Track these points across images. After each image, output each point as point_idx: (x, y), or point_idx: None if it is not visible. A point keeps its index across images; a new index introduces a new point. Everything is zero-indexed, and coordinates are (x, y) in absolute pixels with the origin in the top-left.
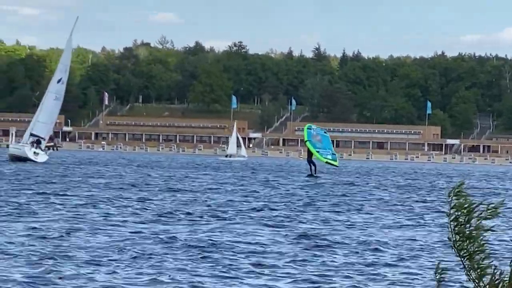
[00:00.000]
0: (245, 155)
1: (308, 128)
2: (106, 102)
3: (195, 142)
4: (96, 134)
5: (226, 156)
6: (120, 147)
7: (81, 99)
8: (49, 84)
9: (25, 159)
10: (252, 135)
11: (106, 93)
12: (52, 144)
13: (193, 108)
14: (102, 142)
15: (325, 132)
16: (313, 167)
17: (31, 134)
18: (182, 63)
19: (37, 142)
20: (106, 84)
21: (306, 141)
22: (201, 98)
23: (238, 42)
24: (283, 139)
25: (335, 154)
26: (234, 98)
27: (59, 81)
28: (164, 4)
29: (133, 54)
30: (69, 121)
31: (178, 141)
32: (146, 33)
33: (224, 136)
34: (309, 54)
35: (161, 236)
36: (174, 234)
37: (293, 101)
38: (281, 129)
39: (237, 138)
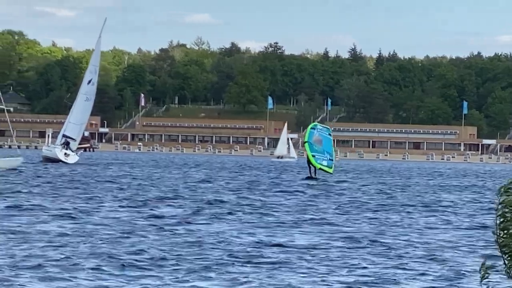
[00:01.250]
0: (295, 156)
1: (311, 128)
2: (143, 103)
3: (231, 143)
4: (133, 135)
5: (278, 157)
6: (156, 148)
7: (117, 101)
8: (80, 86)
9: (56, 161)
10: (288, 135)
11: (142, 95)
12: (88, 145)
13: (229, 109)
14: (138, 143)
15: (329, 134)
16: (312, 168)
17: (63, 135)
18: (218, 64)
19: (66, 144)
20: (142, 86)
21: (305, 142)
22: (237, 99)
23: (274, 43)
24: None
25: (332, 160)
26: (270, 99)
27: (89, 82)
28: (200, 5)
29: (169, 55)
30: (106, 122)
31: (214, 142)
32: (182, 34)
33: (260, 137)
34: (345, 55)
35: None
36: None
37: (329, 102)
38: None
39: (288, 139)
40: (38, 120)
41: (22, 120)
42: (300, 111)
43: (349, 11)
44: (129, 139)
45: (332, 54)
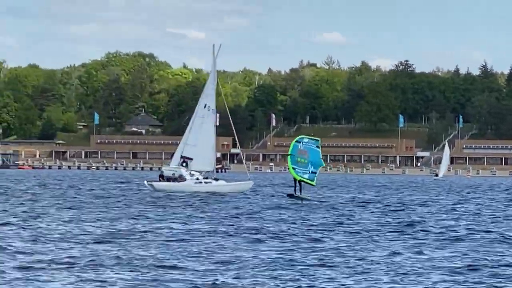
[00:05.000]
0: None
1: (296, 141)
2: (274, 123)
3: (362, 162)
4: (264, 155)
5: (436, 175)
6: (283, 168)
7: (248, 121)
8: (197, 108)
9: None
10: (419, 153)
11: (273, 115)
12: (220, 166)
13: (360, 127)
14: (270, 164)
15: (317, 146)
16: (297, 186)
17: (181, 156)
18: (349, 83)
19: (185, 163)
20: (273, 106)
21: (288, 155)
22: (368, 117)
23: (405, 61)
24: (451, 157)
25: (315, 173)
26: (401, 117)
27: (205, 106)
28: (330, 24)
29: (299, 75)
30: (237, 143)
31: (345, 161)
32: (312, 54)
33: (391, 155)
34: (476, 72)
35: None
36: None
37: (460, 119)
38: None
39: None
40: (170, 142)
41: (154, 142)
42: (432, 129)
43: (478, 28)
44: (260, 159)
45: (463, 71)
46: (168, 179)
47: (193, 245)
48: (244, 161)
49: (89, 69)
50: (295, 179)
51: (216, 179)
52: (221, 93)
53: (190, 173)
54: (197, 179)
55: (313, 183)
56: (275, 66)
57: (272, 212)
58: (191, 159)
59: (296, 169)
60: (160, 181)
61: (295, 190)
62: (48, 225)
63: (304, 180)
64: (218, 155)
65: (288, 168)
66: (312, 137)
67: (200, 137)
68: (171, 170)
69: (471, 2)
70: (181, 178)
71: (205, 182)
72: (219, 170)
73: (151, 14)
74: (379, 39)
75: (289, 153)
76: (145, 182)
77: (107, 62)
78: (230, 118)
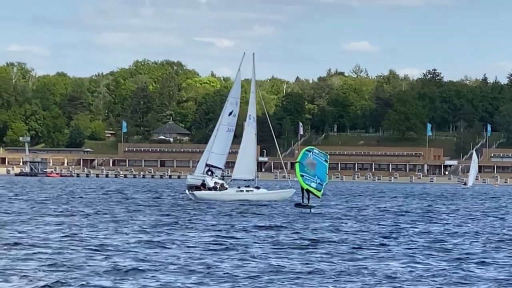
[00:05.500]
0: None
1: (306, 150)
2: (301, 132)
3: (390, 170)
4: (292, 164)
5: (464, 184)
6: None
7: (276, 130)
8: (221, 117)
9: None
10: (447, 162)
11: (301, 123)
12: None
13: (388, 136)
14: None
15: (325, 160)
16: (305, 194)
17: (207, 165)
18: (377, 92)
19: (211, 172)
20: (300, 114)
21: (296, 162)
22: (396, 126)
23: (433, 70)
24: (479, 166)
25: (321, 185)
26: (429, 126)
27: (230, 113)
28: (358, 33)
29: (327, 84)
30: (265, 151)
31: (373, 170)
32: (340, 62)
33: (419, 163)
34: (504, 80)
35: None
36: None
37: (489, 128)
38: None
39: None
40: (198, 150)
41: (181, 150)
42: (459, 138)
43: (506, 36)
44: (288, 168)
45: (491, 79)
46: (210, 188)
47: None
48: (285, 170)
49: (117, 77)
50: (302, 187)
51: (258, 187)
52: (255, 102)
53: (214, 182)
54: (239, 187)
55: (319, 194)
56: (303, 75)
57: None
58: (218, 167)
59: (304, 177)
60: (190, 190)
61: (302, 198)
62: None
63: (311, 189)
64: None
65: (296, 176)
66: (322, 151)
67: (226, 146)
68: (196, 178)
69: (499, 10)
70: (222, 187)
71: (247, 191)
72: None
73: (179, 22)
74: (407, 48)
75: (298, 160)
76: (187, 191)
77: (135, 70)
78: (271, 124)
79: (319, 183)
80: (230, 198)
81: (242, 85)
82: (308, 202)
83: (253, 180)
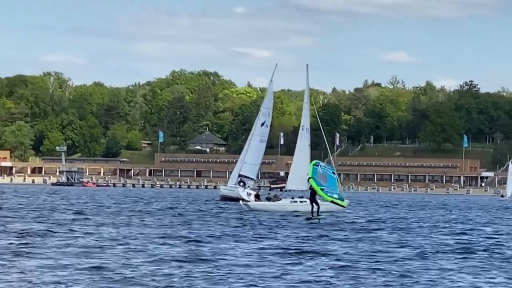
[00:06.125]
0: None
1: (314, 165)
2: (338, 143)
3: (426, 181)
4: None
5: (502, 196)
6: (352, 187)
7: (313, 140)
8: (254, 127)
9: (237, 200)
10: (484, 174)
11: (337, 134)
12: (284, 185)
13: (424, 147)
14: None
15: (333, 173)
16: (315, 207)
17: (239, 175)
18: (413, 103)
19: (243, 183)
20: (337, 125)
21: (309, 178)
22: (432, 137)
23: (470, 81)
24: None
25: (341, 194)
26: (465, 137)
27: (262, 124)
28: (396, 43)
29: (363, 95)
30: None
31: (409, 181)
32: (377, 73)
33: (456, 175)
34: None
35: None
36: None
37: None
38: None
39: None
40: (234, 161)
41: (218, 160)
42: (496, 149)
43: None
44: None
45: None
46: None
47: None
48: (339, 182)
49: (154, 87)
50: (310, 200)
51: None
52: (309, 113)
53: (247, 193)
54: (292, 198)
55: (344, 203)
56: (340, 86)
57: None
58: (250, 177)
59: (325, 190)
60: (245, 200)
61: (312, 211)
62: None
63: (335, 201)
64: (282, 174)
65: (315, 191)
66: (327, 164)
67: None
68: (228, 189)
69: None
70: (276, 198)
71: (300, 201)
72: (281, 189)
73: (216, 33)
74: (444, 59)
75: (310, 176)
76: (241, 202)
77: (172, 81)
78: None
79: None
80: (284, 209)
81: (275, 96)
82: (318, 215)
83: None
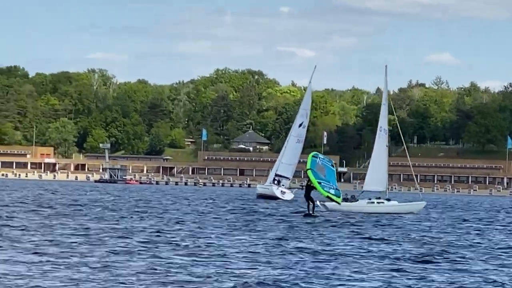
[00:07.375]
0: None
1: (313, 156)
2: None
3: (470, 182)
4: None
5: None
6: (395, 188)
7: (356, 140)
8: (292, 128)
9: (272, 198)
10: None
11: None
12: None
13: (468, 148)
14: None
15: (332, 166)
16: (311, 205)
17: (276, 175)
18: (458, 104)
19: (278, 182)
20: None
21: (307, 169)
22: (476, 138)
23: None
24: None
25: (339, 190)
26: (509, 139)
27: (300, 125)
28: (440, 44)
29: (408, 95)
30: (344, 162)
31: (453, 182)
32: (421, 74)
33: (499, 176)
34: None
35: None
36: None
37: None
38: None
39: None
40: (269, 159)
41: (261, 159)
42: None
43: None
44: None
45: None
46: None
47: None
48: (416, 182)
49: (197, 85)
50: (306, 196)
51: (388, 199)
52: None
53: (281, 191)
54: (370, 199)
55: (339, 200)
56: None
57: None
58: (285, 177)
59: (322, 184)
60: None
61: (308, 208)
62: None
63: (331, 196)
64: None
65: (313, 184)
66: (326, 156)
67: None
68: (265, 187)
69: None
70: (353, 198)
71: (377, 203)
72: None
73: (261, 32)
74: (489, 60)
75: (308, 167)
76: (318, 202)
77: (215, 79)
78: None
79: (336, 188)
80: (361, 210)
81: (318, 95)
82: (313, 213)
83: (384, 191)
